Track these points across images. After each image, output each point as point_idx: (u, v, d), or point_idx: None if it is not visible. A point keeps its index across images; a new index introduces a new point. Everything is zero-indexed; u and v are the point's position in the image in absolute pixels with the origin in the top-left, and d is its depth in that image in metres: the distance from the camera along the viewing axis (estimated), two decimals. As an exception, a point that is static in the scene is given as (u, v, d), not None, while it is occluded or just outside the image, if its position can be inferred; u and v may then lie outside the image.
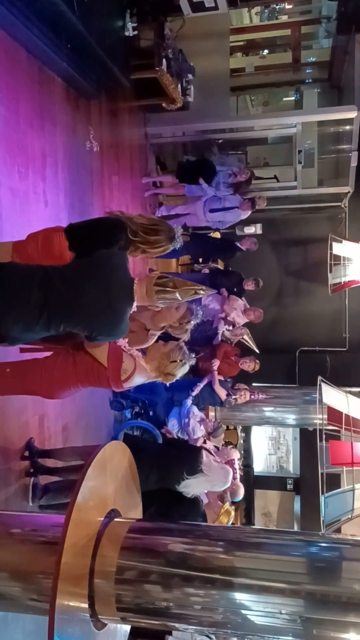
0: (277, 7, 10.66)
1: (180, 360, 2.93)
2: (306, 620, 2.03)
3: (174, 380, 3.00)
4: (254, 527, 9.13)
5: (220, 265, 8.89)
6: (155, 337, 3.15)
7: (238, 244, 7.54)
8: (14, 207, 4.13)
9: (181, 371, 2.96)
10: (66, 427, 4.68)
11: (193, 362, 3.04)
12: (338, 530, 4.90)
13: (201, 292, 2.83)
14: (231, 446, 8.74)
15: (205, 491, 4.25)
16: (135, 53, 6.16)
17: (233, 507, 4.72)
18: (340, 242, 8.43)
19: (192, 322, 3.06)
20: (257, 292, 7.57)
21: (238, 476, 4.67)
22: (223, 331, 6.56)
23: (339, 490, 5.04)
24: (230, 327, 6.68)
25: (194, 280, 7.44)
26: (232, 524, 4.68)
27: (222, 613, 2.13)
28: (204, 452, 4.06)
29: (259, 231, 8.37)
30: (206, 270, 8.10)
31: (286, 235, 9.83)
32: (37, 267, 2.61)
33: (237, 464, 4.82)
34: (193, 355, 3.03)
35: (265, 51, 11.35)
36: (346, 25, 7.59)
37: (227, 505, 4.38)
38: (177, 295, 2.70)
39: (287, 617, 2.03)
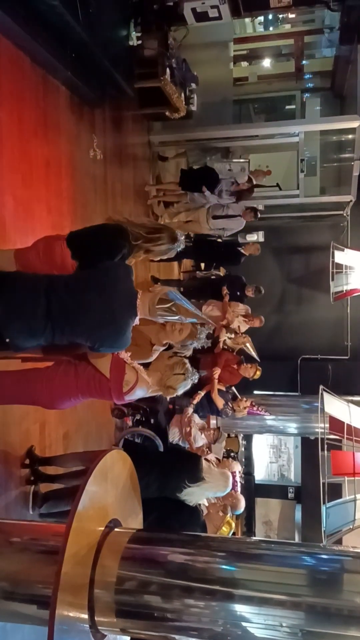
0: (280, 16, 10.72)
1: (183, 374, 2.92)
2: (307, 633, 2.01)
3: (174, 395, 2.99)
4: (254, 538, 9.10)
5: (222, 272, 8.91)
6: (158, 353, 3.17)
7: (241, 250, 7.57)
8: (18, 214, 4.15)
9: (182, 386, 2.95)
10: (67, 435, 4.67)
11: (195, 379, 3.03)
12: (339, 541, 4.88)
13: (201, 327, 2.86)
14: (233, 454, 8.72)
15: (206, 502, 4.23)
16: (139, 62, 6.19)
17: (234, 516, 4.69)
18: (342, 250, 8.45)
19: (193, 343, 3.09)
20: (260, 299, 7.58)
21: (239, 488, 4.62)
22: (225, 339, 6.54)
23: (341, 501, 5.01)
24: (232, 335, 6.67)
25: (195, 286, 7.47)
26: (233, 533, 4.65)
27: (222, 625, 2.11)
28: (203, 459, 4.05)
29: (262, 239, 8.40)
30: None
31: (288, 243, 9.86)
32: (43, 277, 2.63)
33: (238, 476, 4.78)
34: (196, 372, 3.03)
35: (268, 61, 11.40)
36: (349, 35, 7.62)
37: (228, 517, 4.35)
38: (179, 316, 2.73)
39: (287, 630, 2.01)
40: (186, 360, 2.99)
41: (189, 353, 3.22)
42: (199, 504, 3.96)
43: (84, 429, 5.02)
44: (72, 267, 2.90)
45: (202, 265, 9.16)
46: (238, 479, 4.81)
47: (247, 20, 10.18)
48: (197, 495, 3.78)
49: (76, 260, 2.90)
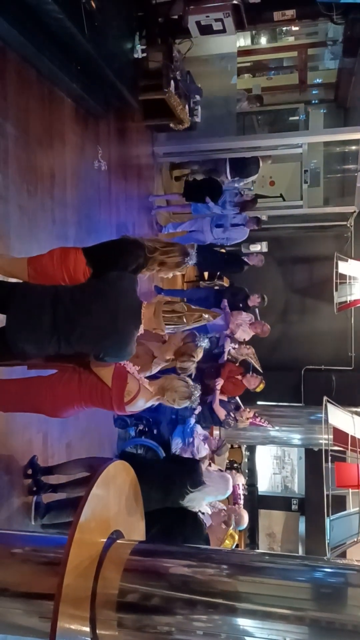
0: (284, 29, 10.80)
1: (185, 382, 2.92)
2: (311, 648, 1.99)
3: (172, 401, 2.97)
4: (258, 551, 9.01)
5: (225, 282, 8.92)
6: (159, 367, 3.18)
7: (245, 259, 7.59)
8: (23, 225, 4.18)
9: (182, 392, 2.93)
10: (70, 445, 4.66)
11: (198, 393, 3.01)
12: (343, 554, 4.83)
13: (206, 315, 2.88)
14: (236, 465, 8.67)
15: (210, 508, 4.20)
16: (144, 74, 6.24)
17: (237, 529, 4.65)
18: (346, 261, 8.45)
19: (198, 346, 3.09)
20: (263, 309, 7.57)
21: (242, 502, 4.57)
22: (229, 349, 6.52)
23: (345, 513, 4.97)
24: (236, 345, 6.66)
25: (199, 297, 7.50)
26: (236, 545, 4.61)
27: (225, 639, 2.09)
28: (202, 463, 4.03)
29: (265, 249, 8.40)
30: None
31: (292, 254, 9.87)
32: (49, 288, 2.67)
33: (242, 489, 4.72)
34: (198, 386, 3.02)
35: (272, 72, 11.49)
36: (352, 48, 7.68)
37: (231, 529, 4.32)
38: (183, 318, 2.74)
39: (291, 645, 1.99)
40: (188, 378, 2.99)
41: (193, 367, 3.24)
42: (202, 515, 3.94)
43: (87, 439, 5.01)
44: (83, 274, 2.97)
45: (206, 275, 9.17)
46: (241, 491, 4.78)
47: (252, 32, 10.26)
48: (199, 500, 3.76)
49: (90, 267, 2.96)
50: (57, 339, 2.55)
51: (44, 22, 4.23)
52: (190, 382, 2.96)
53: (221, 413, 5.89)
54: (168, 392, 2.93)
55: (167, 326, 2.75)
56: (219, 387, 5.91)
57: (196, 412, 5.77)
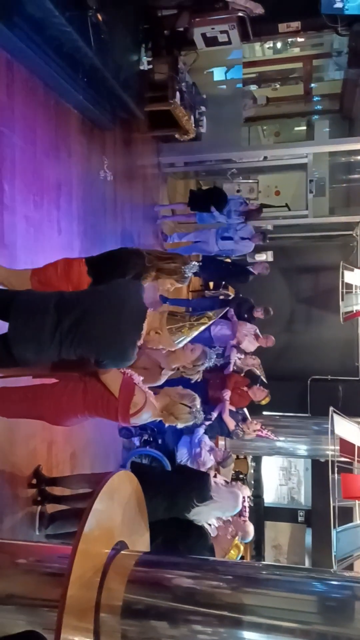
0: (289, 40, 10.88)
1: (190, 408, 2.90)
2: (317, 663, 1.96)
3: (174, 424, 2.96)
4: (263, 562, 8.93)
5: (230, 291, 8.92)
6: (166, 377, 3.18)
7: (250, 269, 7.59)
8: (29, 235, 4.20)
9: (184, 418, 2.93)
10: (74, 455, 4.65)
11: (201, 418, 3.00)
12: (350, 567, 4.77)
13: (210, 314, 2.88)
14: (242, 476, 8.60)
15: (216, 521, 4.16)
16: (150, 86, 6.30)
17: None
18: (352, 270, 8.44)
19: (204, 364, 3.09)
20: (269, 319, 7.57)
21: (247, 515, 4.51)
22: (235, 360, 6.50)
23: (352, 525, 4.91)
24: (242, 356, 6.63)
25: (204, 306, 7.50)
26: (241, 557, 4.56)
27: (230, 652, 2.07)
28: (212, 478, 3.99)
29: (270, 259, 8.41)
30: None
31: (297, 263, 9.87)
32: (54, 293, 2.68)
33: (247, 501, 4.64)
34: (202, 412, 3.01)
35: (277, 84, 11.56)
36: (356, 59, 7.72)
37: (236, 540, 4.27)
38: (187, 324, 2.73)
39: (297, 659, 1.96)
40: (197, 396, 2.97)
41: (198, 377, 3.23)
42: (209, 526, 3.89)
43: (92, 449, 4.99)
44: (87, 285, 2.99)
45: (211, 285, 9.18)
46: (247, 503, 4.71)
47: (256, 44, 10.33)
48: (205, 515, 3.71)
49: (92, 275, 3.00)
50: (59, 342, 2.53)
51: (50, 35, 4.28)
52: (197, 405, 2.93)
53: (231, 424, 5.86)
54: (171, 417, 2.93)
55: (170, 334, 2.74)
56: (227, 397, 5.88)
57: (207, 423, 5.72)
